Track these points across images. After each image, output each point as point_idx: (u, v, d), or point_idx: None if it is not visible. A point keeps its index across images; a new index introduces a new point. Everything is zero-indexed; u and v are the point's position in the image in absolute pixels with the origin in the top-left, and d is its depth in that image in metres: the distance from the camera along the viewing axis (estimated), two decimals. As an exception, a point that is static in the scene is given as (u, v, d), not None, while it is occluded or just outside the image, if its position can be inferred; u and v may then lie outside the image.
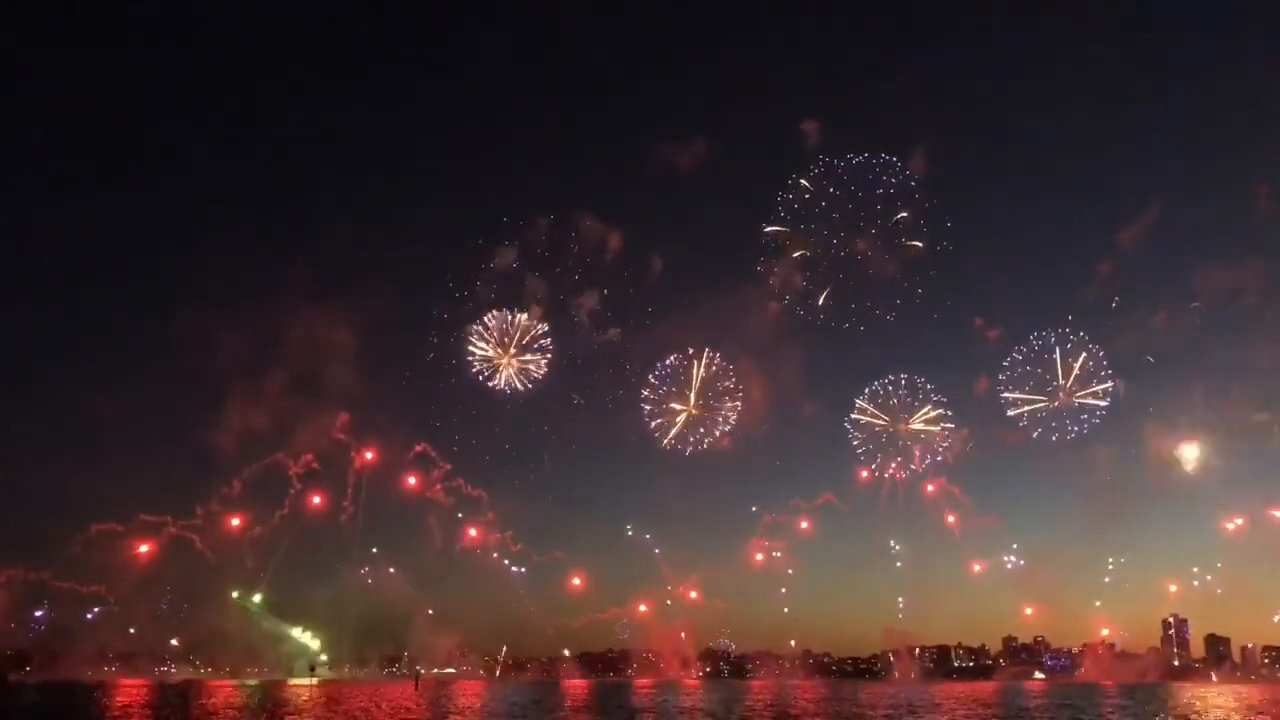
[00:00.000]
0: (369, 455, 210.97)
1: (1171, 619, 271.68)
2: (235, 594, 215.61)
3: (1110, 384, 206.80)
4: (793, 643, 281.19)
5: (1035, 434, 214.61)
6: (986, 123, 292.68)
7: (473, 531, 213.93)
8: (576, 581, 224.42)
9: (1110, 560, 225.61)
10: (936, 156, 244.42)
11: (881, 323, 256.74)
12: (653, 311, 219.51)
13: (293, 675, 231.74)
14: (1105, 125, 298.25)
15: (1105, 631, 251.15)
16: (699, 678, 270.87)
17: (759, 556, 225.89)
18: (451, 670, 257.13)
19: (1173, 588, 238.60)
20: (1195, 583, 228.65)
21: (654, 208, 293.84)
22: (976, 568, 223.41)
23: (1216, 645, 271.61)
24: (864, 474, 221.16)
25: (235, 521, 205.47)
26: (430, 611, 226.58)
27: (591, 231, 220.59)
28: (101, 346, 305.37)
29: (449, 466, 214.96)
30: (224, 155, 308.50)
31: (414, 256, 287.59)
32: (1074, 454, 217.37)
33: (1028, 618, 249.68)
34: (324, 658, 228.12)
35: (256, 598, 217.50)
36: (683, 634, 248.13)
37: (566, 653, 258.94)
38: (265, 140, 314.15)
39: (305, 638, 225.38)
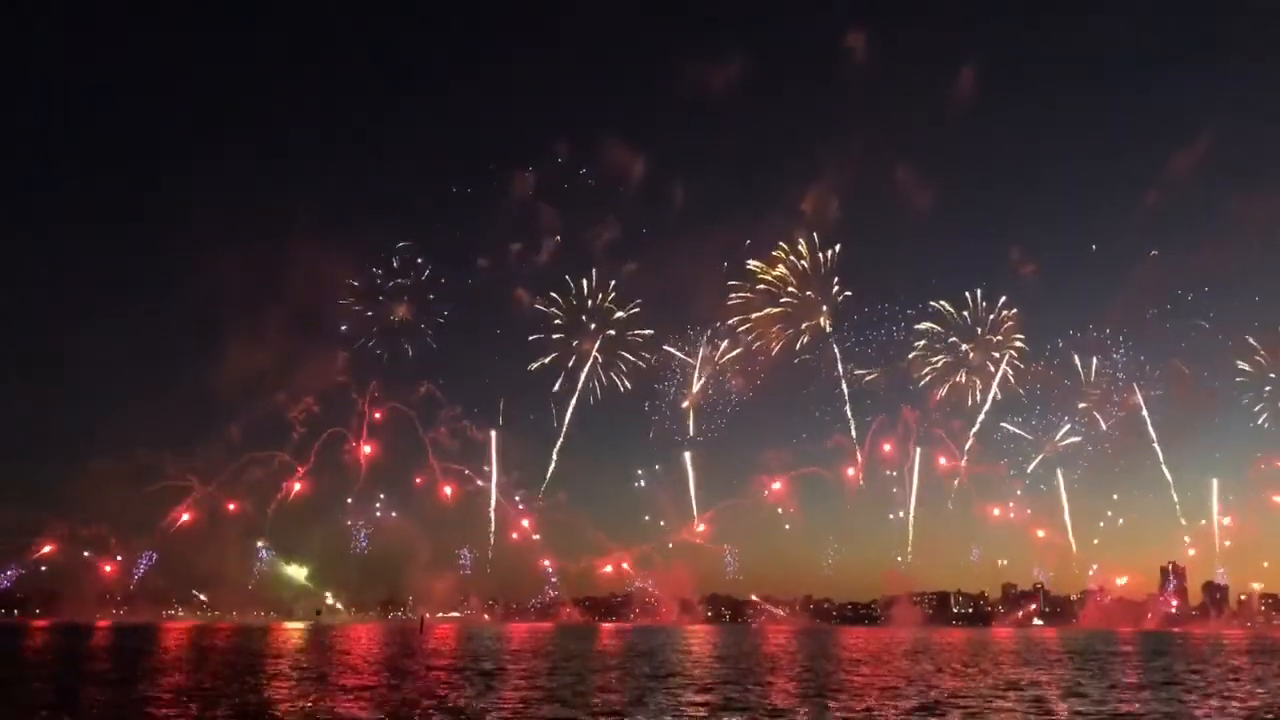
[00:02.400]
0: (371, 396, 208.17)
1: (1170, 566, 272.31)
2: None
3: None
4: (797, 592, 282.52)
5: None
6: (1037, 41, 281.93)
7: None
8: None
9: (1109, 511, 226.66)
10: (985, 77, 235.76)
11: (912, 255, 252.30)
12: (674, 244, 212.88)
13: (292, 618, 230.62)
14: (1160, 50, 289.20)
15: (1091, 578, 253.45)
16: (705, 620, 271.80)
17: (765, 499, 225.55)
18: (455, 614, 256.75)
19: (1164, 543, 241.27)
20: (1204, 522, 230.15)
21: (682, 132, 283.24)
22: (976, 499, 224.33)
23: (1214, 593, 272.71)
24: (880, 422, 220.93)
25: (235, 466, 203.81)
26: (430, 548, 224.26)
27: (614, 157, 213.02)
28: (96, 282, 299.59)
29: (458, 409, 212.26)
30: (220, 81, 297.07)
31: (423, 185, 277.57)
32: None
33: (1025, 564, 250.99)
34: (330, 601, 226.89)
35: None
36: (685, 578, 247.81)
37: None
38: (264, 64, 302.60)
39: (311, 583, 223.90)
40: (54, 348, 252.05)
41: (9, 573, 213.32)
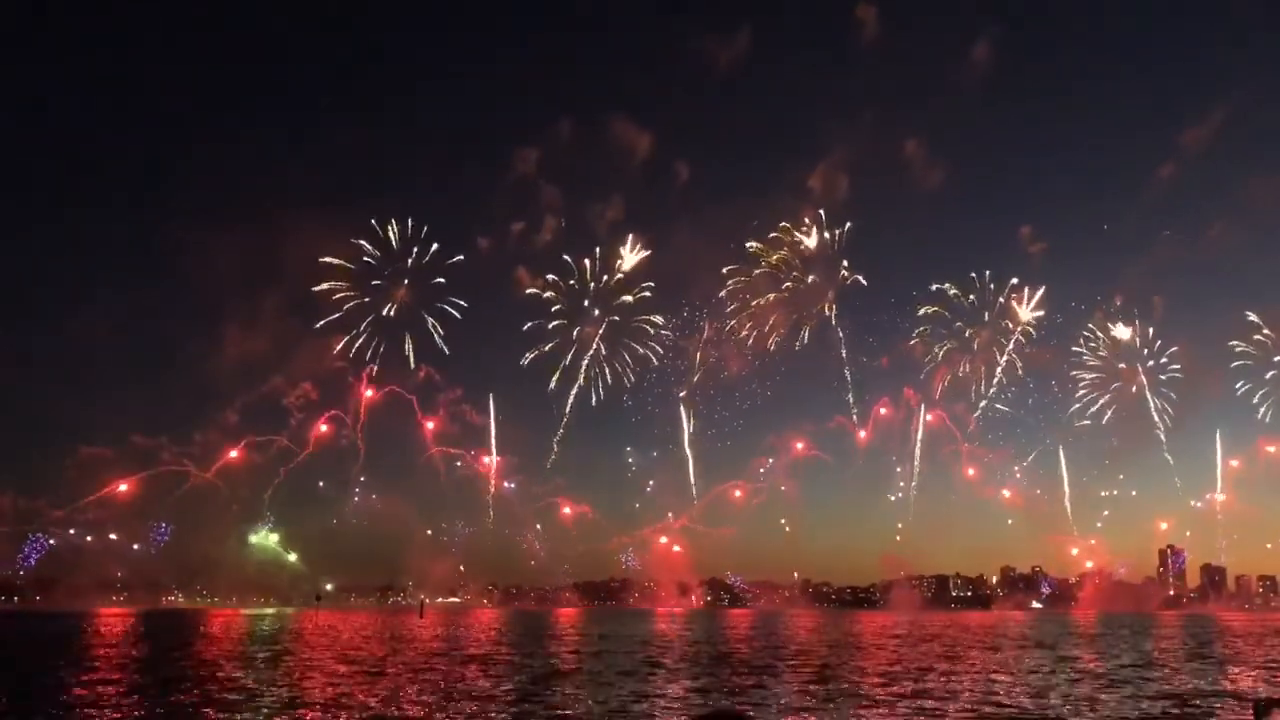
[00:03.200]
0: (369, 379, 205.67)
1: (1168, 549, 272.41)
2: (253, 536, 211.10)
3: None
4: (796, 575, 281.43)
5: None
6: (1051, 15, 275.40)
7: (430, 424, 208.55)
8: (567, 510, 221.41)
9: (1104, 492, 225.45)
10: (998, 52, 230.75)
11: (921, 234, 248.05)
12: (678, 224, 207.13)
13: (290, 604, 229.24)
14: (1175, 24, 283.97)
15: (1089, 564, 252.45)
16: (704, 604, 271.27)
17: (764, 482, 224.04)
18: (456, 599, 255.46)
19: (1163, 525, 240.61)
20: (1196, 503, 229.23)
21: (689, 108, 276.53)
22: (977, 482, 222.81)
23: (1212, 575, 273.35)
24: (882, 404, 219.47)
25: (233, 452, 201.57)
26: (429, 532, 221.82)
27: (620, 134, 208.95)
28: (90, 264, 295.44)
29: (458, 392, 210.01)
30: (217, 63, 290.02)
31: (422, 164, 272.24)
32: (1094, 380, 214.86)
33: (1025, 548, 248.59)
34: (329, 587, 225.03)
35: (274, 538, 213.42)
36: (684, 562, 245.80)
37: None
38: (262, 38, 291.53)
39: (306, 567, 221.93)
40: (49, 332, 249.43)
41: (37, 541, 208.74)
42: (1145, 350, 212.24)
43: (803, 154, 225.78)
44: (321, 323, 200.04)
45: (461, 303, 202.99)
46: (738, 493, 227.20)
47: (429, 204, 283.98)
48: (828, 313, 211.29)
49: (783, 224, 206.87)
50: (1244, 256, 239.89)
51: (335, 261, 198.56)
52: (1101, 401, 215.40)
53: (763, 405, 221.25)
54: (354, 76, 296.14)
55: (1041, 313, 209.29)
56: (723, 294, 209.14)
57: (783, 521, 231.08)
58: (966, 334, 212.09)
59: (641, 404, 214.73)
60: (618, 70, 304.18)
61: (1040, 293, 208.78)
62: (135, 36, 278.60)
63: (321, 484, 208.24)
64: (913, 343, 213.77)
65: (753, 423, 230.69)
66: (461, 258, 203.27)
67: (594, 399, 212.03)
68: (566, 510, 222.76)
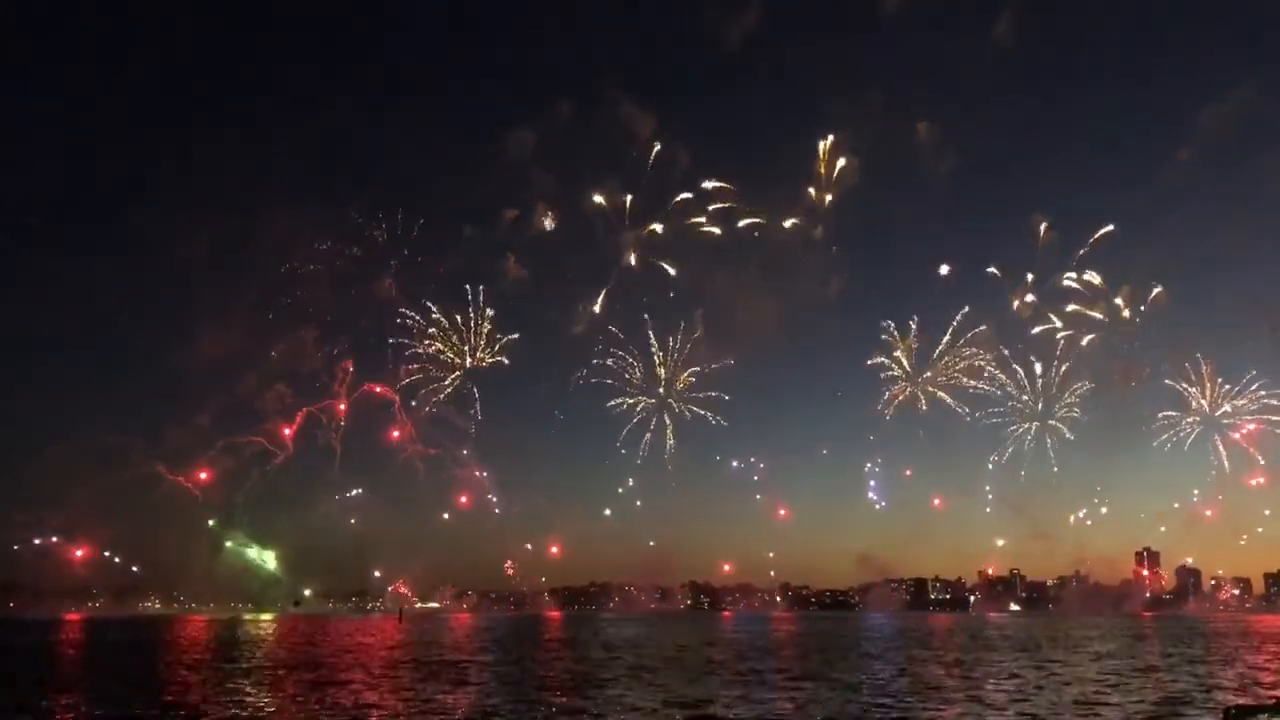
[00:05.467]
0: (346, 379, 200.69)
1: (1144, 551, 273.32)
2: (229, 543, 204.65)
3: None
4: (774, 577, 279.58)
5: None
6: None
7: (409, 426, 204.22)
8: (549, 513, 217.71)
9: (1089, 497, 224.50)
10: (1020, 25, 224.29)
11: (931, 220, 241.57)
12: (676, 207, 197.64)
13: (261, 609, 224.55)
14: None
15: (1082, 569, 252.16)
16: (685, 607, 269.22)
17: (743, 484, 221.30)
18: (435, 605, 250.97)
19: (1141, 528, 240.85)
20: (1176, 506, 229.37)
21: (694, 89, 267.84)
22: (944, 499, 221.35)
23: (1188, 576, 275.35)
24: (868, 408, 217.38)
25: (206, 454, 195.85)
26: (407, 536, 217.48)
27: (621, 115, 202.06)
28: (55, 257, 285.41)
29: (440, 394, 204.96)
30: (191, 40, 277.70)
31: (411, 148, 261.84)
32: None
33: (1003, 550, 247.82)
34: (307, 592, 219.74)
35: (269, 554, 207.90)
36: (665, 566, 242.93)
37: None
38: (240, 22, 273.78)
39: (281, 570, 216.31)
40: (14, 330, 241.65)
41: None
42: (1145, 354, 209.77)
43: (810, 135, 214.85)
44: (299, 319, 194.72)
45: (447, 300, 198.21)
46: (720, 495, 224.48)
47: (413, 192, 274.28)
48: (821, 304, 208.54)
49: (785, 209, 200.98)
50: (1256, 247, 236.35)
51: (315, 257, 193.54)
52: (1091, 404, 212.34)
53: (747, 404, 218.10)
54: (343, 54, 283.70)
55: (1053, 317, 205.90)
56: (716, 285, 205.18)
57: (762, 523, 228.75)
58: (970, 332, 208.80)
59: (625, 405, 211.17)
60: (620, 48, 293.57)
61: (1056, 280, 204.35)
62: (109, 25, 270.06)
63: (323, 487, 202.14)
64: (911, 338, 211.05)
65: (734, 423, 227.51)
66: (452, 257, 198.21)
67: (578, 401, 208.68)
68: (548, 513, 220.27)
